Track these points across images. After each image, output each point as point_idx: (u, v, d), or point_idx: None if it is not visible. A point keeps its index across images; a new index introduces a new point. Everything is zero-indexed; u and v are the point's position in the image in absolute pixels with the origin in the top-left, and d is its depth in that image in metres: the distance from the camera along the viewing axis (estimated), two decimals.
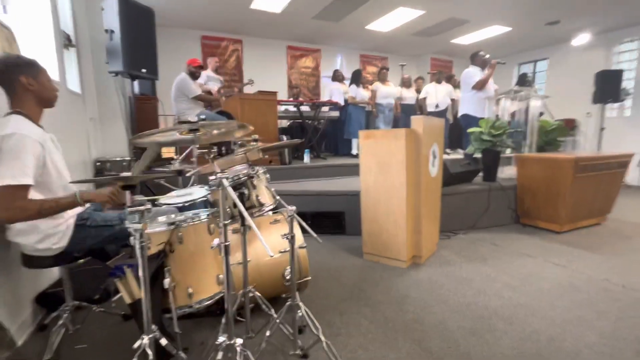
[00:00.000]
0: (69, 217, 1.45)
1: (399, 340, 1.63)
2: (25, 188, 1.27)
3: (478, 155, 3.77)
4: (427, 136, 2.48)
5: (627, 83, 6.51)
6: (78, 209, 1.47)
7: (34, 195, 1.32)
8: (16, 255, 1.52)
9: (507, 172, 3.97)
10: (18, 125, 1.29)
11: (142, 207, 1.07)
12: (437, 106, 5.94)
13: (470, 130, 3.77)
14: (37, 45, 2.36)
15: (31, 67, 1.40)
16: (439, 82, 6.17)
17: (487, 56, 4.37)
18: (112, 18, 2.82)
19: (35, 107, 1.44)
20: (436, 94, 5.98)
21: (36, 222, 1.34)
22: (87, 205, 1.52)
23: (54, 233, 1.38)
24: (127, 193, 1.16)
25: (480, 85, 4.28)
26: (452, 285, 2.21)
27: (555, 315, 1.85)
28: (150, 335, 1.14)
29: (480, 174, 3.80)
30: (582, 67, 7.44)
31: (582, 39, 7.12)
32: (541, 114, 5.44)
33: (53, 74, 2.40)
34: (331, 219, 3.28)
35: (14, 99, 1.39)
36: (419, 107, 6.30)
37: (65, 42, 2.92)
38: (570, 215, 3.27)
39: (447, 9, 5.89)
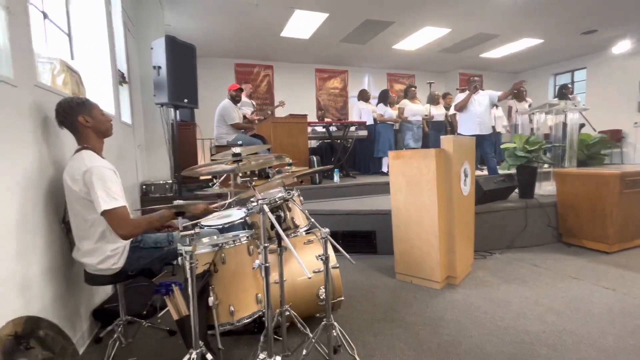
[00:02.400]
0: (126, 241, 1.61)
1: None
2: (126, 208, 1.46)
3: (513, 171, 3.67)
4: (458, 155, 2.48)
5: None
6: None
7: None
8: (79, 274, 1.70)
9: (545, 188, 3.80)
10: (93, 161, 1.48)
11: (192, 231, 1.19)
12: None
13: (504, 146, 3.69)
14: (98, 84, 2.67)
15: (84, 106, 1.59)
16: None
17: (476, 78, 4.70)
18: (159, 56, 3.13)
19: (97, 140, 1.64)
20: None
21: (101, 245, 1.50)
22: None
23: (113, 255, 1.54)
24: (180, 219, 1.29)
25: (458, 107, 4.65)
26: (489, 308, 2.14)
27: (607, 343, 1.74)
28: (198, 350, 1.23)
29: (516, 190, 3.68)
30: (624, 75, 7.06)
31: (623, 46, 6.78)
32: (582, 125, 5.20)
33: (110, 108, 2.70)
34: (362, 239, 3.30)
35: (78, 136, 1.59)
36: (450, 124, 6.23)
37: (120, 79, 3.27)
38: (619, 234, 3.06)
39: (475, 25, 5.89)
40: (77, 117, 1.55)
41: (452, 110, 6.17)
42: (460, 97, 4.70)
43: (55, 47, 2.31)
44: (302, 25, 5.78)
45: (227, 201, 1.54)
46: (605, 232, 3.06)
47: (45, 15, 2.01)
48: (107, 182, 1.44)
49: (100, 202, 1.40)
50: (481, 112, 4.43)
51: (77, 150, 1.55)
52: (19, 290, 1.33)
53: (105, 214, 1.41)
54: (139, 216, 1.48)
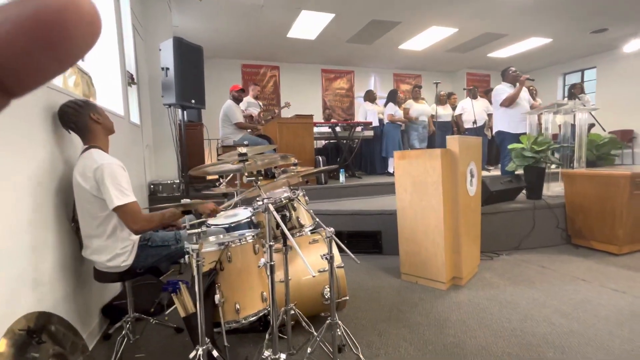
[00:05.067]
0: (135, 239, 1.64)
1: None
2: (137, 204, 1.49)
3: (520, 171, 3.63)
4: (464, 155, 2.47)
5: None
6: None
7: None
8: (89, 271, 1.74)
9: (553, 189, 3.76)
10: (101, 157, 1.52)
11: (199, 230, 1.21)
12: (474, 122, 5.82)
13: (510, 146, 3.66)
14: (107, 85, 2.72)
15: (90, 105, 1.63)
16: (474, 97, 6.06)
17: (517, 72, 4.24)
18: (167, 57, 3.17)
19: (104, 137, 1.67)
20: (473, 110, 5.87)
21: (110, 243, 1.53)
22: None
23: (122, 252, 1.57)
24: (187, 217, 1.31)
25: (508, 102, 4.14)
26: (495, 309, 2.13)
27: (614, 345, 1.72)
28: (204, 347, 1.25)
29: (524, 191, 3.64)
30: (635, 74, 6.94)
31: (634, 45, 6.67)
32: (592, 125, 5.12)
33: (119, 109, 2.74)
34: (368, 239, 3.30)
35: (88, 136, 1.62)
36: (456, 124, 6.20)
37: (129, 80, 3.32)
38: (629, 235, 3.01)
39: (482, 25, 5.85)
40: (89, 115, 1.59)
41: (457, 111, 6.15)
42: (502, 91, 4.22)
43: None
44: (309, 25, 5.80)
45: (234, 199, 1.56)
46: (615, 233, 3.01)
47: None
48: (118, 178, 1.47)
49: (112, 198, 1.43)
50: (526, 110, 4.09)
51: (86, 149, 1.59)
52: (31, 286, 1.36)
53: (118, 209, 1.44)
54: (150, 212, 1.51)
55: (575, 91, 5.20)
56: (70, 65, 0.14)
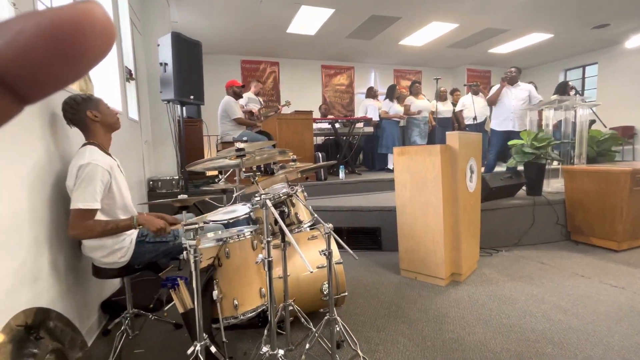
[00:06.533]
0: (133, 234, 1.63)
1: (438, 359, 1.61)
2: (94, 212, 1.48)
3: (520, 168, 3.62)
4: (464, 151, 2.46)
5: None
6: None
7: (98, 216, 1.53)
8: (87, 267, 1.74)
9: (553, 186, 3.75)
10: (92, 155, 1.51)
11: (196, 226, 1.20)
12: (474, 119, 5.79)
13: (511, 142, 3.65)
14: (105, 81, 2.70)
15: (90, 101, 1.61)
16: (475, 93, 6.03)
17: (506, 74, 4.54)
18: (166, 52, 3.14)
19: (105, 135, 1.66)
20: (473, 106, 5.84)
21: (104, 239, 1.53)
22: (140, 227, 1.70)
23: (119, 248, 1.57)
24: (184, 213, 1.30)
25: (489, 102, 4.54)
26: (494, 305, 2.13)
27: (613, 341, 1.72)
28: (202, 343, 1.25)
29: (524, 188, 3.63)
30: (637, 70, 6.90)
31: (636, 40, 6.62)
32: (593, 122, 5.09)
33: (117, 105, 2.73)
34: (367, 235, 3.30)
35: (87, 132, 1.61)
36: (456, 120, 6.17)
37: (127, 76, 3.30)
38: (629, 232, 3.01)
39: (482, 20, 5.81)
40: (86, 112, 1.58)
41: (458, 107, 6.12)
42: (493, 89, 4.59)
43: None
44: (308, 21, 5.76)
45: (183, 220, 1.50)
46: (615, 229, 3.01)
47: None
48: (93, 182, 1.46)
49: (76, 197, 1.44)
50: (516, 107, 4.27)
51: (82, 146, 1.58)
52: (29, 282, 1.36)
53: (71, 210, 1.45)
54: (99, 220, 1.50)
55: (567, 90, 5.15)
56: (84, 74, 0.15)
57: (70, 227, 1.45)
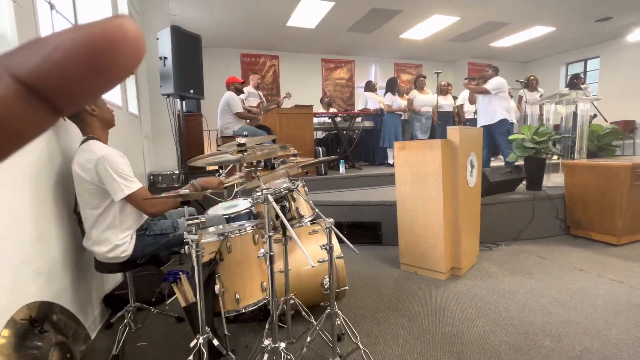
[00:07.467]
0: (133, 230, 1.64)
1: (437, 352, 1.63)
2: (142, 189, 1.51)
3: (520, 162, 3.63)
4: (464, 146, 2.46)
5: None
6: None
7: (121, 206, 1.54)
8: (90, 262, 1.75)
9: (553, 180, 3.76)
10: (101, 148, 1.51)
11: (198, 220, 1.21)
12: (475, 113, 5.77)
13: (512, 137, 3.65)
14: None
15: None
16: None
17: (483, 72, 4.87)
18: (165, 46, 3.12)
19: (102, 130, 1.65)
20: None
21: (108, 234, 1.54)
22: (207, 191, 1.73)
23: (121, 243, 1.58)
24: (186, 207, 1.30)
25: (470, 102, 5.15)
26: (493, 299, 2.15)
27: (611, 334, 1.74)
28: (205, 336, 1.26)
29: (524, 182, 3.64)
30: (639, 64, 6.85)
31: (639, 34, 6.58)
32: (594, 116, 5.08)
33: (117, 99, 2.72)
34: (368, 229, 3.32)
35: (84, 127, 1.60)
36: (457, 115, 6.15)
37: None
38: (628, 226, 3.02)
39: (484, 13, 5.76)
40: (84, 107, 1.57)
41: (459, 101, 6.10)
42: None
43: None
44: (308, 14, 5.71)
45: (238, 176, 1.58)
46: (614, 224, 3.02)
47: (52, 7, 2.02)
48: (122, 167, 1.48)
49: (122, 188, 1.44)
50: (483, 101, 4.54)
51: (84, 141, 1.57)
52: (33, 276, 1.37)
53: (129, 198, 1.46)
54: (158, 199, 1.52)
55: (578, 82, 5.14)
56: (114, 86, 0.15)
57: (148, 206, 1.51)
